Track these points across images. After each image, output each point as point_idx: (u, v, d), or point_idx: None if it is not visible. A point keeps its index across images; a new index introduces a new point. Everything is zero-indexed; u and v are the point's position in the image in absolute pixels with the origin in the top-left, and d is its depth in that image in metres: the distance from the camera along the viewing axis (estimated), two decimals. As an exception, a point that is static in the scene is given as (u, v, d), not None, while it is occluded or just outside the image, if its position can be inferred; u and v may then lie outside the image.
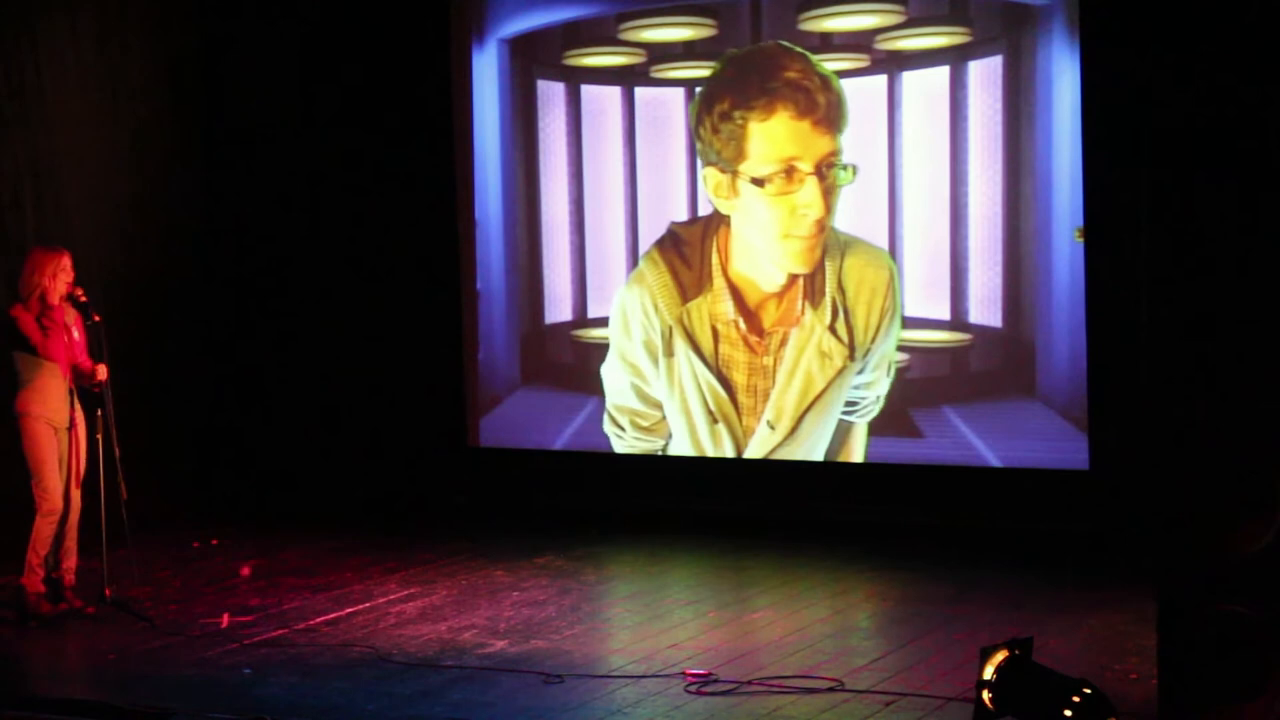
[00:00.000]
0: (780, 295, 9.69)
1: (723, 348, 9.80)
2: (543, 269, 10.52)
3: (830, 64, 9.64)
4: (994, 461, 9.34)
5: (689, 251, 9.94)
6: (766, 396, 9.75)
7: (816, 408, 9.63)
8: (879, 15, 9.52)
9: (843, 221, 9.61)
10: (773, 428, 9.72)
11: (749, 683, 6.55)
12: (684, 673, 6.70)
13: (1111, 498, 8.83)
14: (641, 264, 10.10)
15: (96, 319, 7.92)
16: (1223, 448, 5.11)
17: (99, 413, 7.96)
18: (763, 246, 9.69)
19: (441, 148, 10.65)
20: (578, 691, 6.53)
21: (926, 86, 9.42)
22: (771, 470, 9.88)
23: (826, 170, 9.50)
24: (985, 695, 5.46)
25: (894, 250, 9.52)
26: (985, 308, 9.34)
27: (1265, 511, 5.04)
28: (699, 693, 6.45)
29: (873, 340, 9.51)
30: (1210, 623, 5.07)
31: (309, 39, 10.86)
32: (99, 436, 7.96)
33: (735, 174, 9.70)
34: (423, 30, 10.65)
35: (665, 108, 10.09)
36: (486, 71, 10.54)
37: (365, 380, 10.86)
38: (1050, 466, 9.14)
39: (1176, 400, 5.22)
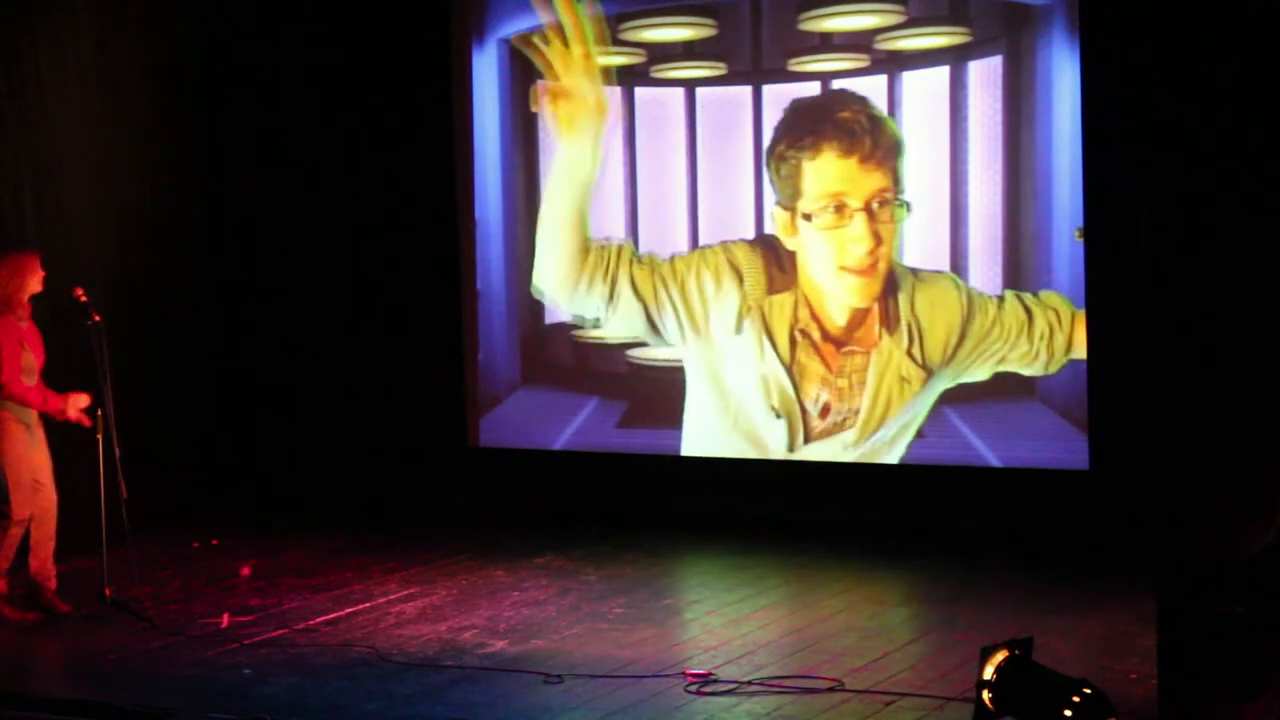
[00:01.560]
0: (855, 322, 9.70)
1: (799, 354, 9.82)
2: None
3: (830, 64, 9.64)
4: (994, 461, 9.34)
5: (783, 258, 9.92)
6: (835, 412, 9.74)
7: (895, 423, 9.62)
8: (879, 15, 9.52)
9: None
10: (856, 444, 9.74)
11: (749, 683, 6.55)
12: (684, 673, 6.70)
13: (1111, 498, 8.83)
14: (733, 245, 10.07)
15: (97, 319, 7.93)
16: (1223, 448, 5.11)
17: (99, 413, 7.96)
18: (824, 281, 9.72)
19: (441, 148, 10.65)
20: (578, 691, 6.54)
21: (926, 86, 9.42)
22: (771, 471, 9.88)
23: (878, 207, 9.53)
24: (985, 695, 5.46)
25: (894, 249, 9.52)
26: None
27: (1265, 512, 5.03)
28: (699, 693, 6.45)
29: (953, 356, 9.48)
30: (1210, 623, 5.07)
31: (309, 39, 10.85)
32: (99, 436, 7.96)
33: (794, 211, 9.75)
34: (423, 31, 10.64)
35: (665, 108, 10.09)
36: (486, 71, 10.54)
37: (365, 380, 10.86)
38: (1050, 466, 9.14)
39: (1176, 400, 5.21)
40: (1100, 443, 8.96)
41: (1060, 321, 9.11)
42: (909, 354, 9.52)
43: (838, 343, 9.70)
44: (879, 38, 9.52)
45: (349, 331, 10.85)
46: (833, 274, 9.66)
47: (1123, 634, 7.13)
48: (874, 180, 9.55)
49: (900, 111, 9.47)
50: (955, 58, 9.36)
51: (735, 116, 9.93)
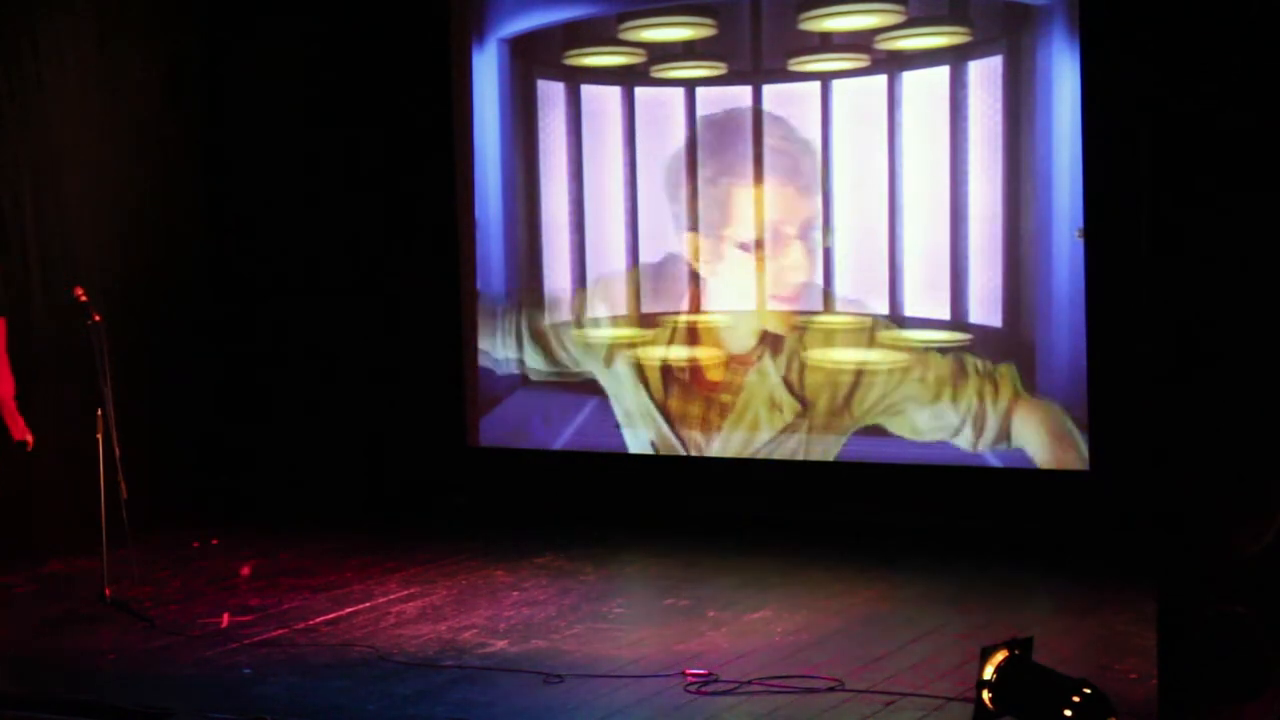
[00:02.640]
0: (746, 352, 9.77)
1: (674, 389, 9.91)
2: (543, 269, 10.52)
3: (830, 64, 9.65)
4: (994, 461, 9.34)
5: (664, 290, 10.02)
6: (714, 429, 9.83)
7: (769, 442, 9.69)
8: (879, 15, 9.52)
9: (842, 223, 9.62)
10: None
11: (749, 683, 6.55)
12: (684, 672, 6.70)
13: (1111, 498, 8.83)
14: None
15: (97, 319, 7.93)
16: (1223, 448, 5.11)
17: (99, 413, 7.96)
18: (743, 310, 9.76)
19: (441, 148, 10.65)
20: (578, 691, 6.53)
21: (926, 86, 9.42)
22: (772, 470, 9.88)
23: (809, 233, 9.57)
24: (985, 695, 5.46)
25: (893, 250, 9.52)
26: (985, 308, 9.34)
27: (1265, 512, 5.03)
28: (699, 693, 6.45)
29: (847, 403, 9.51)
30: (1210, 623, 5.07)
31: (309, 39, 10.86)
32: (99, 436, 7.96)
33: (720, 238, 9.76)
34: (423, 31, 10.65)
35: (665, 108, 10.10)
36: (486, 71, 10.54)
37: (365, 380, 10.86)
38: (1050, 466, 9.14)
39: (1176, 400, 5.21)
40: (1100, 443, 8.96)
41: (997, 395, 9.08)
42: (784, 380, 9.55)
43: (717, 381, 9.80)
44: (879, 38, 9.53)
45: (348, 331, 10.85)
46: (761, 305, 9.70)
47: (1123, 634, 7.13)
48: (809, 206, 9.63)
49: (900, 111, 9.47)
50: (955, 58, 9.36)
51: (735, 116, 9.93)
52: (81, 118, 10.12)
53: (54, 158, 9.92)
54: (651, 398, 10.02)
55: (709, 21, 9.98)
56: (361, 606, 8.10)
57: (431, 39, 10.64)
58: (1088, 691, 5.29)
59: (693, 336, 10.06)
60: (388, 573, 8.86)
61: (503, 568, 8.92)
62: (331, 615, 7.93)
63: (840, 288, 9.65)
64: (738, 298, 9.83)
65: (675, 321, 10.07)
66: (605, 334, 10.31)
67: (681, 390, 9.99)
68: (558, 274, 10.47)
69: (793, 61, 9.75)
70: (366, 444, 10.87)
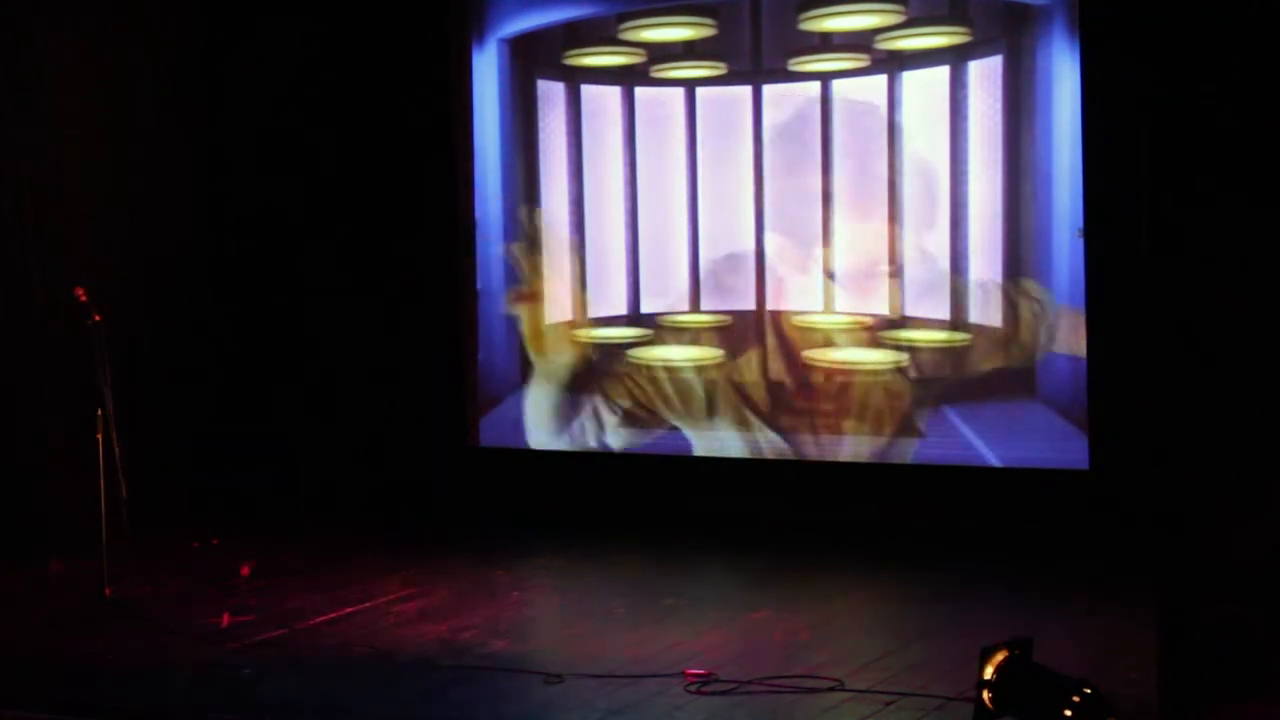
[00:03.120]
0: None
1: (776, 408, 9.82)
2: (542, 269, 10.51)
3: (830, 64, 9.64)
4: (994, 461, 9.33)
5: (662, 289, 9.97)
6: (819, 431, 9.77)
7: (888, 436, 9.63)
8: (879, 15, 9.52)
9: (841, 217, 9.62)
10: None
11: (749, 683, 6.55)
12: (684, 673, 6.70)
13: (1111, 498, 8.83)
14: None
15: (97, 319, 7.93)
16: (1223, 448, 5.11)
17: (99, 412, 7.96)
18: (828, 329, 9.68)
19: (441, 148, 10.65)
20: (578, 691, 6.54)
21: (926, 86, 9.42)
22: (771, 470, 9.88)
23: (899, 263, 9.48)
24: (985, 695, 5.47)
25: (894, 250, 9.52)
26: (985, 308, 9.34)
27: (1265, 512, 5.03)
28: (699, 693, 6.45)
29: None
30: (1210, 623, 5.07)
31: (309, 39, 10.85)
32: (99, 436, 7.96)
33: (811, 257, 9.69)
34: (422, 31, 10.64)
35: (665, 108, 10.09)
36: (486, 71, 10.54)
37: (366, 380, 10.86)
38: (1050, 466, 9.14)
39: (1176, 400, 5.21)
40: (1100, 443, 8.95)
41: (1043, 310, 9.11)
42: (898, 370, 9.50)
43: (822, 372, 9.68)
44: (879, 38, 9.52)
45: (349, 331, 10.84)
46: (846, 326, 9.60)
47: (1123, 634, 7.12)
48: (912, 238, 9.47)
49: (900, 111, 9.47)
50: (955, 58, 9.36)
51: (735, 116, 9.93)
52: (81, 118, 10.11)
53: (54, 158, 9.92)
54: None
55: (709, 21, 9.98)
56: (361, 606, 8.09)
57: (431, 39, 10.63)
58: (1088, 691, 5.30)
59: (697, 336, 10.07)
60: (388, 573, 8.85)
61: (503, 568, 8.92)
62: (331, 615, 7.93)
63: (842, 288, 9.65)
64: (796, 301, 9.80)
65: (677, 321, 10.08)
66: (608, 333, 10.31)
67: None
68: (558, 274, 10.47)
69: (793, 61, 9.75)
70: (366, 444, 10.86)
